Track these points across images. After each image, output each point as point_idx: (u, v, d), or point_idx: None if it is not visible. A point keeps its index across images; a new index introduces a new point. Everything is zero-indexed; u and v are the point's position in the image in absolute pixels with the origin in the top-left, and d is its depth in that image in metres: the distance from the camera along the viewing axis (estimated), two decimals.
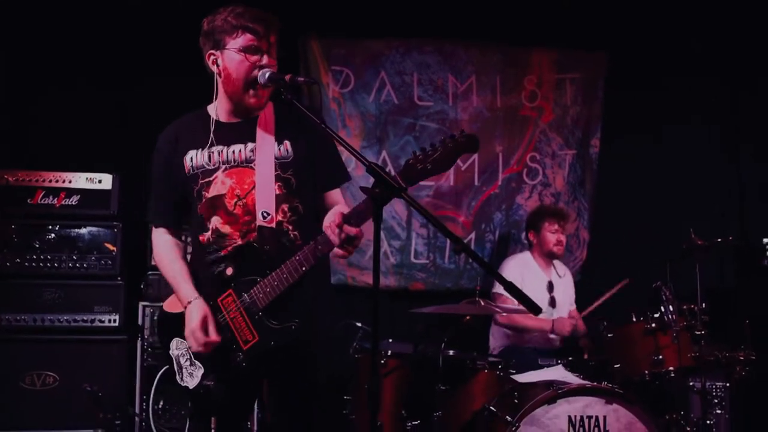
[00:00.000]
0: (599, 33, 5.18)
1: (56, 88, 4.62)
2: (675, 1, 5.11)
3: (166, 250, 2.62)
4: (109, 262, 4.08)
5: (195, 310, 2.45)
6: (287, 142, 2.53)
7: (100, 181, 4.13)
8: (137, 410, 4.07)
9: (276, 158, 2.51)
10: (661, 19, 5.16)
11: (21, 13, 4.59)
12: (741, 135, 5.32)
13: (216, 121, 2.55)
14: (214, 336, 2.43)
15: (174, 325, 2.53)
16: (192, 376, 2.48)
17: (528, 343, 4.50)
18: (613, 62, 5.24)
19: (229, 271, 2.47)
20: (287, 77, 2.36)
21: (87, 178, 4.13)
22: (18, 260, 3.99)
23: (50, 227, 4.06)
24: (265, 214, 2.45)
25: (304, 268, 2.37)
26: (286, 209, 2.50)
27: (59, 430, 3.87)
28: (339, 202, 2.58)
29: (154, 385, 3.95)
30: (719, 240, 3.99)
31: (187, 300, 2.48)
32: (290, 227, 2.51)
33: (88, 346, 3.97)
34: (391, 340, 4.24)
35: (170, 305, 2.59)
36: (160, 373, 3.93)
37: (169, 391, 3.95)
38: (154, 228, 2.67)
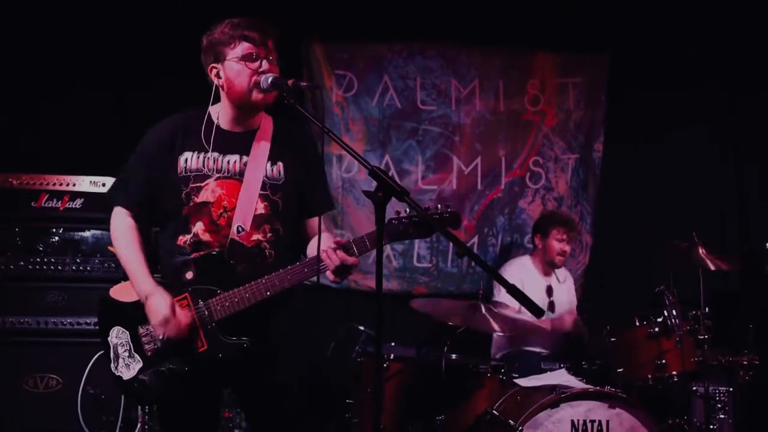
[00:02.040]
0: (602, 37, 5.19)
1: (59, 92, 4.62)
2: (676, 6, 5.11)
3: (127, 235, 2.57)
4: (113, 265, 4.07)
5: (160, 299, 2.43)
6: (280, 164, 2.57)
7: (103, 185, 4.13)
8: (139, 413, 4.07)
9: (267, 177, 2.54)
10: (663, 24, 5.16)
11: (25, 16, 4.60)
12: (743, 139, 5.31)
13: (217, 126, 2.56)
14: (186, 319, 2.43)
15: (119, 313, 2.53)
16: (128, 368, 2.49)
17: (530, 346, 4.49)
18: (615, 66, 5.25)
19: (189, 275, 2.47)
20: (290, 81, 2.38)
21: (91, 182, 4.13)
22: (22, 263, 3.99)
23: (54, 230, 4.07)
24: (239, 229, 2.49)
25: (268, 293, 2.41)
26: (267, 230, 2.53)
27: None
28: (316, 229, 2.54)
29: (88, 368, 3.87)
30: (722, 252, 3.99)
31: (148, 290, 2.46)
32: (268, 246, 2.53)
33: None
34: (393, 344, 4.24)
35: (118, 293, 2.57)
36: (94, 357, 3.85)
37: None
38: (116, 207, 2.61)
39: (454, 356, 3.85)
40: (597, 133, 5.28)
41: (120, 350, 2.51)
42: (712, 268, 3.93)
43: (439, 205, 2.35)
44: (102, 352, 2.57)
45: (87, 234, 4.10)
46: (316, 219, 2.61)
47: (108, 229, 3.97)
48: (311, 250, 2.45)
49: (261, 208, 2.52)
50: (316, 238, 2.37)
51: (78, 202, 4.10)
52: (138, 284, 2.50)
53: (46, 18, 4.62)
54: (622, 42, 5.19)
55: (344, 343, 4.34)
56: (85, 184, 4.12)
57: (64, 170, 4.14)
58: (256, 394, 2.56)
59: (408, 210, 2.35)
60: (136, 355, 2.49)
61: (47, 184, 4.08)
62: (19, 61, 4.61)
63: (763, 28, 5.10)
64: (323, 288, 4.04)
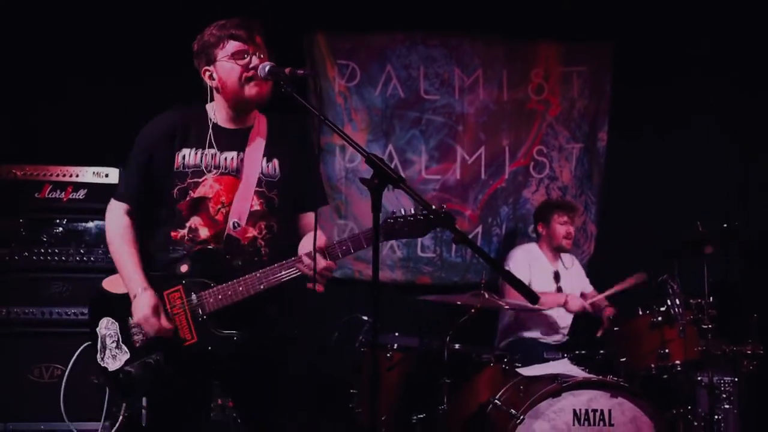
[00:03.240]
0: (606, 26, 5.15)
1: (62, 82, 4.62)
2: None
3: (122, 232, 2.59)
4: None
5: (145, 300, 2.46)
6: (276, 161, 2.60)
7: (107, 175, 4.14)
8: (144, 402, 4.09)
9: (263, 174, 2.57)
10: (669, 14, 5.11)
11: (27, 9, 4.61)
12: (749, 129, 5.27)
13: (214, 123, 2.59)
14: (166, 323, 2.45)
15: (109, 304, 2.55)
16: (115, 359, 2.51)
17: (534, 330, 4.49)
18: (620, 56, 5.21)
19: (184, 268, 2.50)
20: (287, 70, 2.38)
21: (94, 172, 4.14)
22: (26, 254, 4.01)
23: (57, 221, 4.08)
24: (235, 224, 2.51)
25: (262, 287, 2.42)
26: (262, 226, 2.57)
27: (66, 422, 3.88)
28: (310, 225, 2.58)
29: (73, 359, 3.84)
30: (725, 226, 3.95)
31: (136, 290, 2.48)
32: (263, 244, 2.56)
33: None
34: (397, 334, 4.24)
35: (110, 284, 2.59)
36: (80, 348, 3.82)
37: None
38: (114, 201, 2.64)
39: (457, 346, 3.86)
40: (601, 123, 5.25)
41: (108, 341, 2.53)
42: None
43: (433, 206, 2.35)
44: (89, 342, 2.58)
45: (91, 225, 4.11)
46: (307, 215, 2.66)
47: None
48: (302, 247, 2.45)
49: (257, 205, 2.55)
50: (309, 235, 2.38)
51: (81, 193, 4.11)
52: (128, 282, 2.52)
53: (50, 7, 4.62)
54: (627, 31, 5.15)
55: (347, 333, 4.35)
56: (88, 174, 4.13)
57: (68, 161, 4.15)
58: (244, 387, 2.58)
59: (407, 213, 2.39)
60: (123, 346, 2.51)
61: (51, 175, 4.09)
62: (21, 51, 4.61)
63: None
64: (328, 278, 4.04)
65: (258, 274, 2.43)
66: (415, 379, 3.93)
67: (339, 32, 5.00)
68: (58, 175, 4.10)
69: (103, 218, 4.02)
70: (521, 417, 3.32)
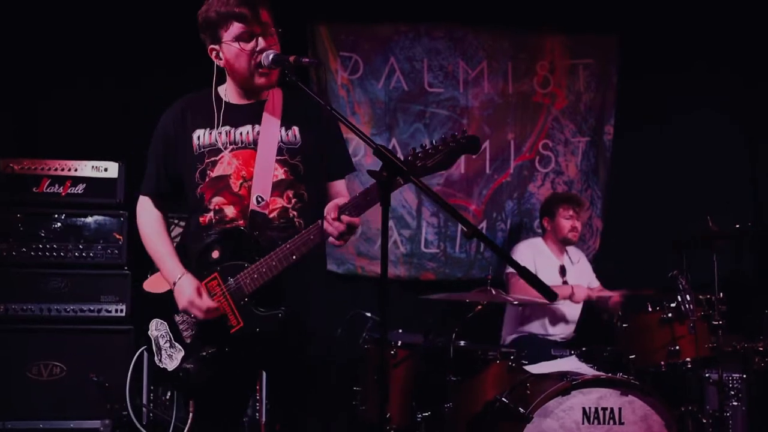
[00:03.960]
0: (613, 18, 5.09)
1: (61, 76, 4.57)
2: None
3: (151, 223, 2.58)
4: (116, 251, 4.03)
5: (186, 284, 2.40)
6: (295, 128, 2.51)
7: (106, 170, 4.08)
8: (144, 400, 4.04)
9: (283, 143, 2.48)
10: (676, 6, 5.05)
11: (26, 3, 4.54)
12: (756, 122, 5.21)
13: (226, 102, 2.52)
14: (211, 303, 2.39)
15: (154, 305, 2.51)
16: (171, 358, 2.45)
17: (541, 324, 4.44)
18: (627, 48, 5.15)
19: (215, 254, 2.42)
20: (291, 58, 2.31)
21: (93, 167, 4.08)
22: (24, 249, 3.95)
23: (56, 216, 4.01)
24: (259, 199, 2.43)
25: (294, 257, 2.33)
26: (291, 195, 2.47)
27: (66, 421, 3.83)
28: (342, 193, 2.55)
29: (132, 363, 3.89)
30: (737, 226, 3.89)
31: (175, 277, 2.43)
32: (295, 213, 2.47)
33: (95, 336, 3.93)
34: (401, 331, 4.19)
35: (151, 285, 2.55)
36: (138, 351, 3.87)
37: None
38: (141, 196, 2.63)
39: (462, 343, 3.80)
40: (608, 116, 5.18)
41: (161, 342, 2.47)
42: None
43: (454, 133, 2.25)
44: (145, 347, 2.54)
45: (89, 219, 4.05)
46: (336, 183, 2.59)
47: (110, 215, 4.04)
48: (327, 210, 2.33)
49: (281, 174, 2.46)
50: (336, 199, 2.31)
51: (80, 188, 4.05)
52: (165, 271, 2.48)
53: (49, 3, 4.57)
54: (633, 23, 5.09)
55: (351, 330, 4.29)
56: (87, 169, 4.07)
57: (66, 155, 4.09)
58: (290, 373, 2.48)
59: (427, 146, 2.23)
60: (176, 344, 2.45)
61: (49, 169, 4.03)
62: (20, 45, 4.56)
63: None
64: (329, 273, 3.98)
65: (288, 245, 2.33)
66: (419, 376, 3.87)
67: (342, 24, 4.93)
68: (56, 170, 4.04)
69: (101, 213, 4.05)
70: (530, 416, 3.25)
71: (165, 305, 2.47)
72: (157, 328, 2.49)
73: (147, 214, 2.60)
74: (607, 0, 5.03)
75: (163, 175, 2.57)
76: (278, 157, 2.46)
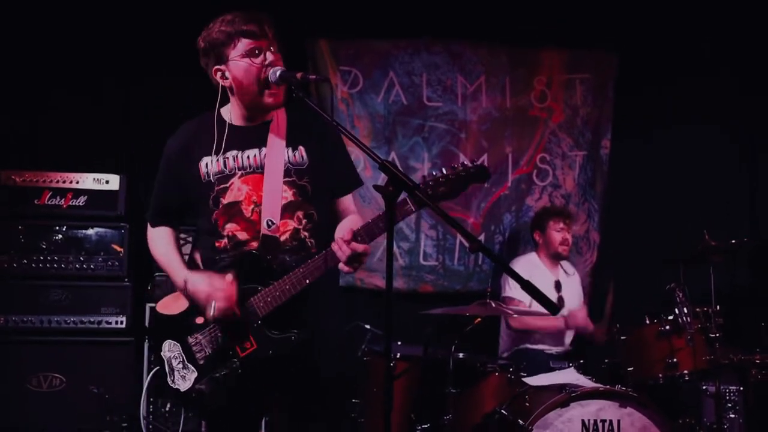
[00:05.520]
0: (609, 33, 5.14)
1: (62, 88, 4.59)
2: (686, 1, 5.06)
3: (161, 239, 2.63)
4: (116, 263, 4.04)
5: (197, 278, 2.43)
6: (302, 148, 2.51)
7: (107, 182, 4.11)
8: (144, 412, 4.03)
9: (291, 164, 2.49)
10: (672, 19, 5.11)
11: (26, 14, 4.57)
12: (753, 135, 5.26)
13: (230, 124, 2.52)
14: (230, 285, 2.38)
15: (167, 326, 2.51)
16: (184, 379, 2.45)
17: (538, 343, 4.45)
18: (623, 63, 5.19)
19: (229, 278, 2.42)
20: (299, 75, 2.33)
21: (94, 179, 4.10)
22: (25, 261, 3.96)
23: (57, 228, 4.03)
24: (269, 223, 2.43)
25: (307, 281, 2.36)
26: (301, 216, 2.48)
27: None
28: (350, 209, 2.58)
29: (145, 384, 3.89)
30: (733, 242, 3.94)
31: (184, 277, 2.45)
32: (306, 234, 2.48)
33: (95, 348, 3.94)
34: (400, 343, 4.19)
35: (163, 307, 2.56)
36: (151, 373, 3.87)
37: None
38: (151, 227, 2.68)
39: (461, 355, 3.81)
40: (605, 130, 5.22)
41: (174, 363, 2.48)
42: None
43: (464, 161, 2.30)
44: (158, 367, 2.53)
45: (90, 232, 4.07)
46: (344, 199, 2.60)
47: (111, 227, 4.06)
48: (338, 231, 2.39)
49: (290, 196, 2.47)
50: (347, 218, 2.36)
51: (81, 200, 4.08)
52: (174, 275, 2.51)
53: (51, 12, 4.59)
54: (630, 38, 5.13)
55: (350, 342, 4.29)
56: (88, 181, 4.10)
57: (68, 167, 4.11)
58: (299, 393, 2.49)
59: (438, 174, 2.30)
60: (189, 365, 2.45)
61: (50, 181, 4.06)
62: (21, 57, 4.57)
63: None
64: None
65: (302, 269, 2.35)
66: (419, 388, 3.88)
67: (342, 38, 4.97)
68: (57, 182, 4.07)
69: (102, 225, 4.06)
70: (529, 428, 3.27)
71: (178, 326, 2.48)
72: (170, 350, 2.49)
73: (154, 239, 2.65)
74: (603, 15, 5.08)
75: (170, 207, 2.61)
76: (286, 179, 2.47)
